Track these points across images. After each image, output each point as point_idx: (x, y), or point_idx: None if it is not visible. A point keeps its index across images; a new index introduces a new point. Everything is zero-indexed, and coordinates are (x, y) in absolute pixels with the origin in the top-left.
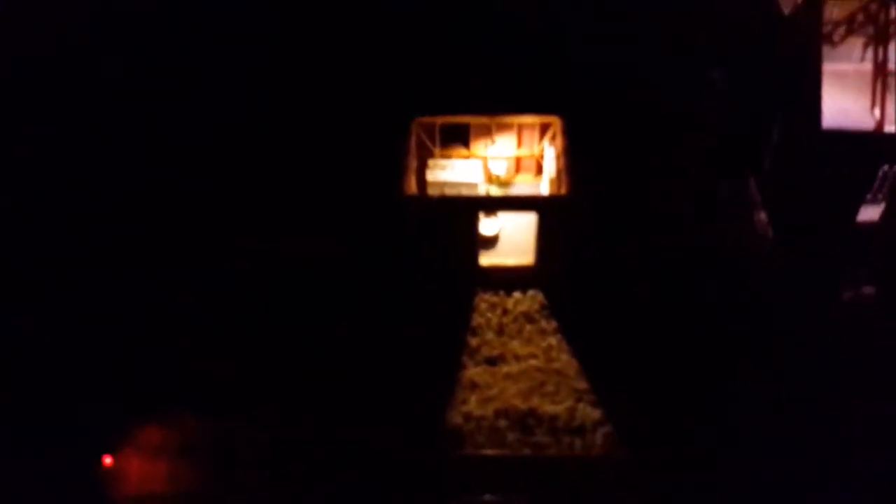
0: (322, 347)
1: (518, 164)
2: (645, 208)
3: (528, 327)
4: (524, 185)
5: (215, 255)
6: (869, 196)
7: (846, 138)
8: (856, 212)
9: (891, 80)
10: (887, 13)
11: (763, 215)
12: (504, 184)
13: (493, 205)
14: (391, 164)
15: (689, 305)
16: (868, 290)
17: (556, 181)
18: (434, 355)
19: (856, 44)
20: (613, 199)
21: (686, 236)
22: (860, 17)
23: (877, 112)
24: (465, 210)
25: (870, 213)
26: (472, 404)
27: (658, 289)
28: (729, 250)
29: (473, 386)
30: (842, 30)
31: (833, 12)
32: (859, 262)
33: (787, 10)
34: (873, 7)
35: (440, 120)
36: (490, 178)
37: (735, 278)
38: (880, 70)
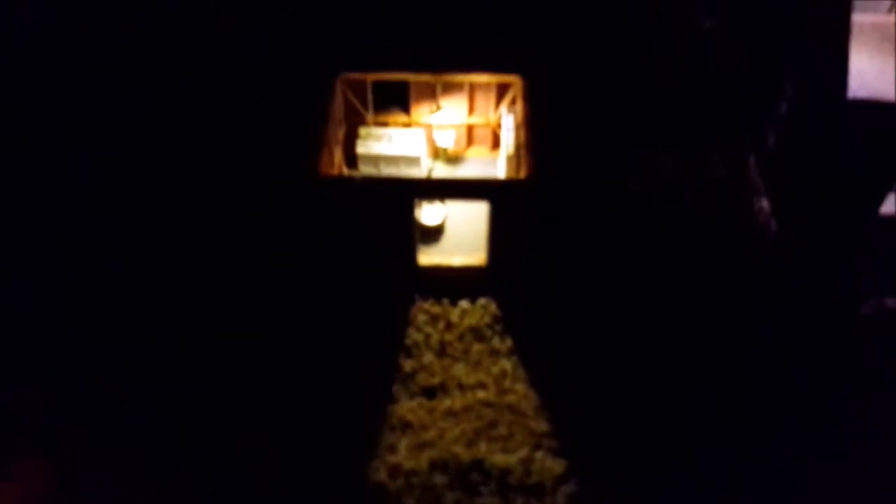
0: (207, 373)
1: (470, 136)
2: (625, 195)
3: (477, 347)
4: (478, 163)
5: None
6: None
7: (867, 111)
8: (879, 202)
9: None
10: None
11: (765, 204)
12: (453, 159)
13: (432, 191)
14: (304, 135)
15: (676, 320)
16: (893, 302)
17: (515, 160)
18: (354, 384)
19: None
20: (587, 183)
21: (673, 230)
22: None
23: None
24: (397, 195)
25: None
26: (402, 453)
27: (640, 298)
28: (724, 248)
29: (405, 426)
30: None
31: None
32: (883, 266)
33: None
34: None
35: (371, 77)
36: (436, 153)
37: (731, 283)
38: None
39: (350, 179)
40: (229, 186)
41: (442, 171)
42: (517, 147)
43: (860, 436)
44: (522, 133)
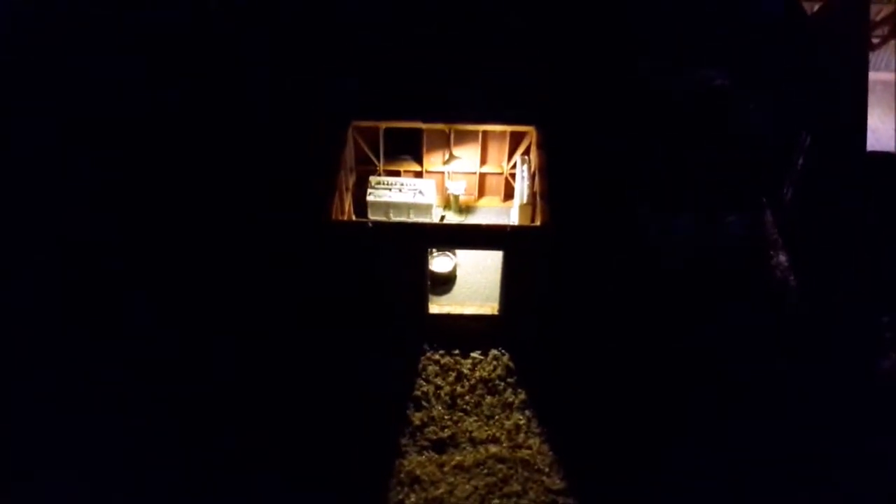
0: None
1: (483, 185)
2: (641, 246)
3: (489, 399)
4: (490, 212)
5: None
6: None
7: (882, 165)
8: None
9: None
10: None
11: (783, 258)
12: (465, 209)
13: (444, 238)
14: (316, 181)
15: (695, 374)
16: None
17: (530, 208)
18: (362, 437)
19: (889, 48)
20: (602, 234)
21: (689, 284)
22: None
23: None
24: (408, 242)
25: None
26: None
27: (658, 351)
28: (741, 302)
29: (414, 482)
30: (882, 30)
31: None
32: None
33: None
34: None
35: (384, 125)
36: (447, 202)
37: (750, 338)
38: None
39: (362, 225)
40: (242, 229)
41: (454, 220)
42: (532, 196)
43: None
44: (538, 182)
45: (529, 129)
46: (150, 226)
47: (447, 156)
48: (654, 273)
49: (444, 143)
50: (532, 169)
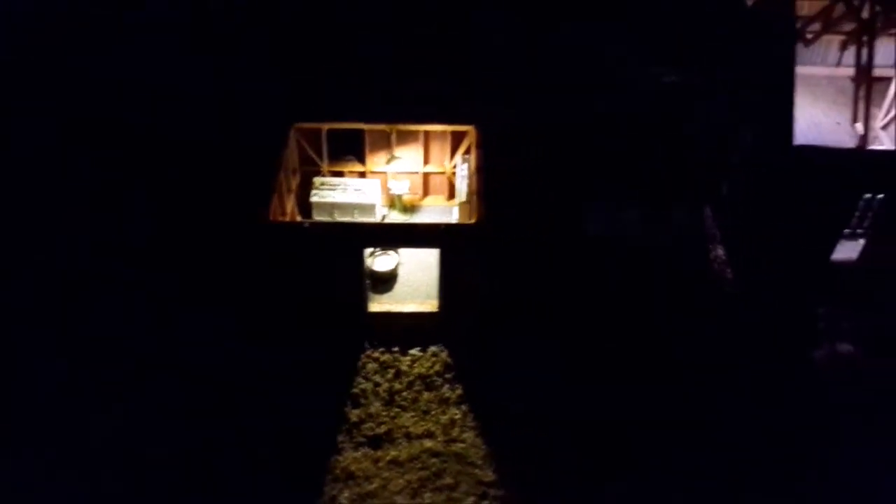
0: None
1: (427, 185)
2: (581, 242)
3: (427, 395)
4: (434, 211)
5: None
6: (847, 230)
7: (819, 159)
8: (831, 249)
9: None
10: (872, 5)
11: (721, 252)
12: (409, 208)
13: (379, 237)
14: (255, 183)
15: (631, 367)
16: (845, 347)
17: (469, 206)
18: (298, 434)
19: (831, 43)
20: (540, 230)
21: (629, 277)
22: (838, 11)
23: (859, 126)
24: (343, 242)
25: (848, 250)
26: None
27: (595, 346)
28: (681, 296)
29: (348, 477)
30: (816, 26)
31: (805, 5)
32: (835, 312)
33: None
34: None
35: (326, 126)
36: (391, 201)
37: (688, 331)
38: (864, 75)
39: (299, 225)
40: (185, 231)
41: (398, 219)
42: (470, 194)
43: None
44: (475, 180)
45: (469, 129)
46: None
47: (390, 156)
48: (597, 267)
49: (387, 143)
50: (471, 168)
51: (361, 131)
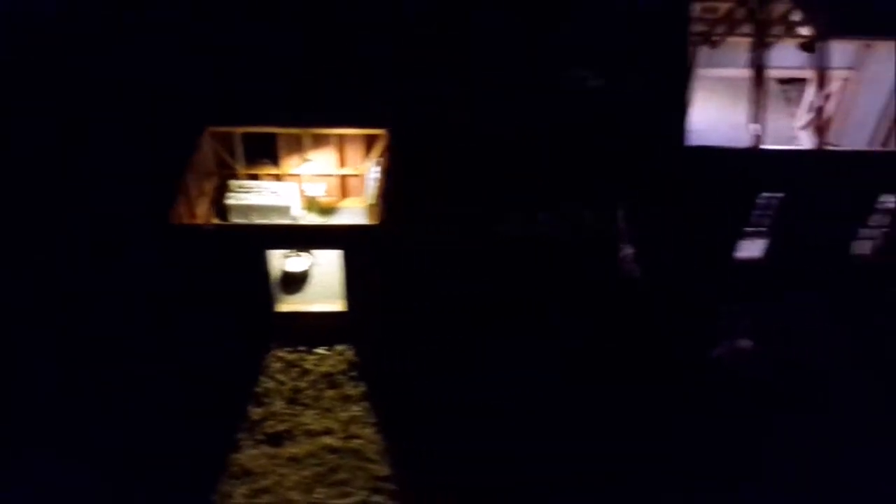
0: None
1: (344, 187)
2: (490, 243)
3: (330, 393)
4: (350, 213)
5: None
6: (749, 229)
7: (720, 159)
8: (733, 248)
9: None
10: (768, 9)
11: (630, 250)
12: (327, 210)
13: (283, 239)
14: (164, 186)
15: (535, 367)
16: (744, 343)
17: (377, 208)
18: (199, 433)
19: (740, 46)
20: (452, 231)
21: (539, 278)
22: (739, 13)
23: (754, 127)
24: (247, 244)
25: (751, 248)
26: (238, 500)
27: (498, 345)
28: (592, 294)
29: (245, 474)
30: (722, 28)
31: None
32: (738, 309)
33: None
34: (752, 2)
35: (239, 130)
36: (309, 204)
37: (596, 328)
38: (759, 77)
39: (201, 228)
40: (87, 234)
41: (315, 221)
42: (377, 196)
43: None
44: (381, 182)
45: (382, 132)
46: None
47: (302, 159)
48: (510, 267)
49: (300, 146)
50: (381, 171)
51: (274, 135)
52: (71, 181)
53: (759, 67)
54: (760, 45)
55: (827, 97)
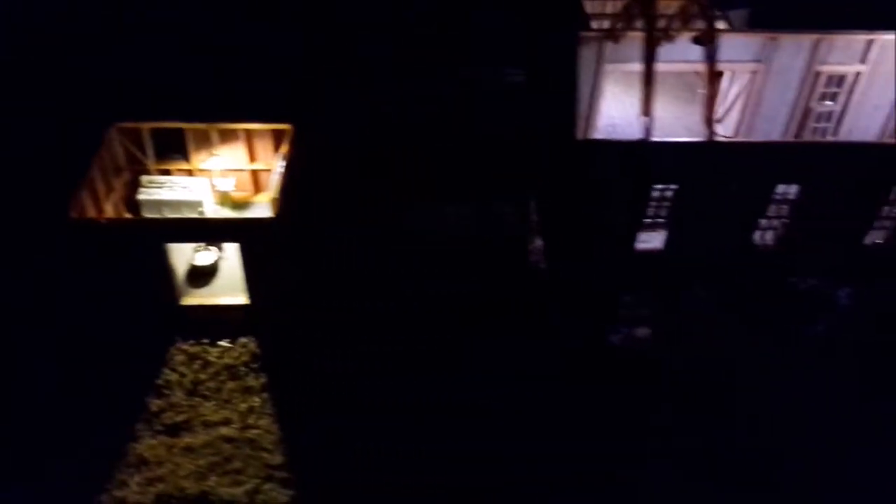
0: None
1: (257, 181)
2: (397, 237)
3: (230, 385)
4: (262, 207)
5: None
6: (648, 221)
7: (611, 152)
8: (631, 239)
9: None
10: (657, 4)
11: (539, 242)
12: (240, 204)
13: (179, 232)
14: (67, 181)
15: (442, 357)
16: (642, 331)
17: (276, 202)
18: (98, 424)
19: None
20: (359, 225)
21: (447, 271)
22: (634, 10)
23: (645, 120)
24: (145, 237)
25: (650, 240)
26: (132, 488)
27: (404, 337)
28: (500, 286)
29: (142, 463)
30: (620, 24)
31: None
32: (638, 299)
33: None
34: None
35: (146, 126)
36: (222, 199)
37: (503, 321)
38: (648, 71)
39: (97, 222)
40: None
41: (227, 215)
42: (279, 190)
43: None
44: (284, 176)
45: (287, 127)
46: None
47: (209, 154)
48: (419, 260)
49: (209, 141)
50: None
51: (182, 131)
52: None
53: (649, 62)
54: (651, 41)
55: (715, 90)
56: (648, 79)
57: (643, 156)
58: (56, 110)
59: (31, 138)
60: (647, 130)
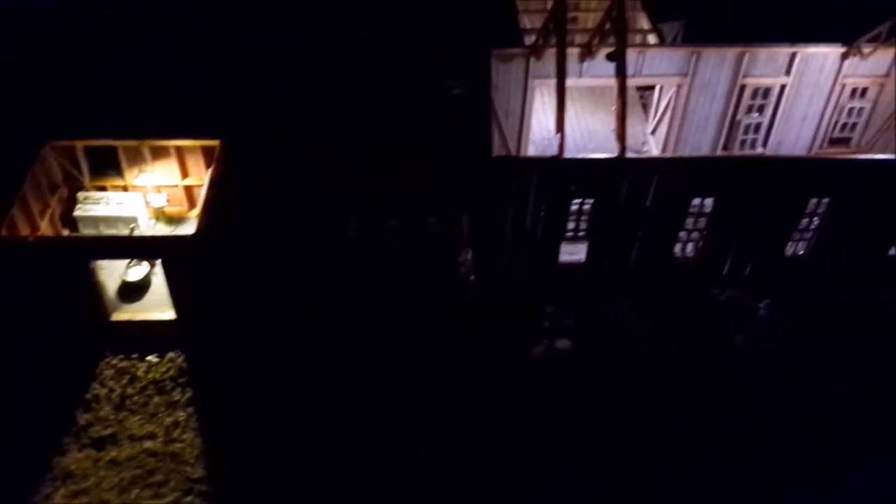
0: None
1: (192, 197)
2: (330, 248)
3: (157, 399)
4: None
5: None
6: (569, 234)
7: (530, 169)
8: (556, 252)
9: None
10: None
11: (469, 255)
12: (176, 220)
13: (100, 250)
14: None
15: (371, 364)
16: (563, 343)
17: (199, 218)
18: (26, 439)
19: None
20: (282, 238)
21: (376, 283)
22: (549, 27)
23: (557, 136)
24: (72, 255)
25: (574, 252)
26: (57, 501)
27: (329, 350)
28: (430, 299)
29: (67, 476)
30: (541, 41)
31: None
32: (560, 310)
33: None
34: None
35: (80, 144)
36: (157, 214)
37: (430, 328)
38: (561, 87)
39: (23, 240)
40: None
41: (162, 229)
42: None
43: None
44: (206, 192)
45: (216, 144)
46: None
47: (139, 171)
48: (353, 272)
49: (142, 158)
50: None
51: (115, 148)
52: None
53: (560, 78)
54: (562, 57)
55: (624, 106)
56: (561, 95)
57: (556, 172)
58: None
59: None
60: (561, 147)
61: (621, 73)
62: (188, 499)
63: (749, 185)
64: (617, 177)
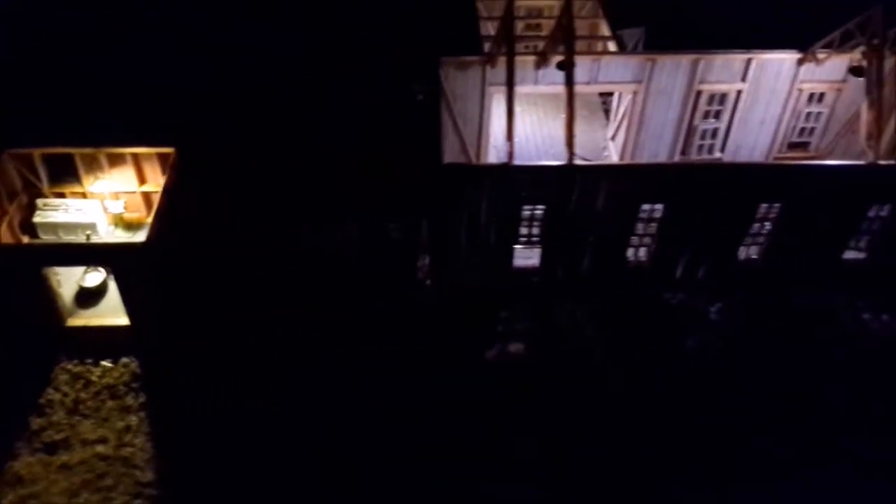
0: None
1: (150, 203)
2: (287, 256)
3: (110, 404)
4: None
5: None
6: (523, 239)
7: (476, 175)
8: (510, 257)
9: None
10: (511, 31)
11: (427, 260)
12: (134, 226)
13: (50, 257)
14: None
15: (318, 374)
16: (516, 347)
17: (151, 225)
18: None
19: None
20: (237, 244)
21: (335, 288)
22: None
23: (508, 144)
24: (25, 262)
25: (529, 257)
26: None
27: (280, 354)
28: (386, 305)
29: (17, 481)
30: (495, 48)
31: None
32: (514, 314)
33: None
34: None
35: (38, 152)
36: (116, 221)
37: (388, 332)
38: (510, 94)
39: None
40: None
41: (120, 235)
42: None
43: None
44: (160, 199)
45: (171, 151)
46: None
47: (94, 178)
48: (311, 278)
49: (98, 165)
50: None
51: (72, 155)
52: None
53: (510, 86)
54: (511, 65)
55: (572, 114)
56: (510, 103)
57: (505, 179)
58: None
59: None
60: (510, 154)
61: (570, 82)
62: (137, 502)
63: (698, 191)
64: (565, 183)
